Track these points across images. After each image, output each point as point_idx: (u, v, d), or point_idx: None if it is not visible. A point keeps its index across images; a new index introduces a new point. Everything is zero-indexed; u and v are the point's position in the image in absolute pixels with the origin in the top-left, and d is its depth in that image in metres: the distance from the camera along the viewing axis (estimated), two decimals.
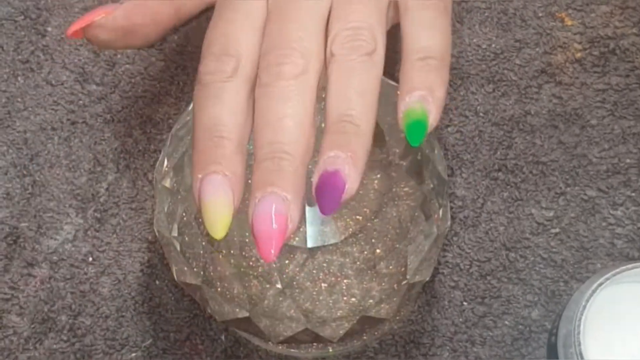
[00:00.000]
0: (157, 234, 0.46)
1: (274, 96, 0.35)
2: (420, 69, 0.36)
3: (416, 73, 0.36)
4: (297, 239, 0.42)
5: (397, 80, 0.38)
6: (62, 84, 0.56)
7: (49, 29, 0.57)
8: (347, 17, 0.36)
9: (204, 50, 0.37)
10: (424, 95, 0.36)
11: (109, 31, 0.39)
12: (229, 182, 0.35)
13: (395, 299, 0.44)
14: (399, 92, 0.36)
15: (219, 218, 0.34)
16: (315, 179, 0.35)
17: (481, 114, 0.54)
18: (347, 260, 0.42)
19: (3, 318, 0.51)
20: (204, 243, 0.43)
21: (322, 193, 0.34)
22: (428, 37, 0.37)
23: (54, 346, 0.50)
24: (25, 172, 0.54)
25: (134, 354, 0.50)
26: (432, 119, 0.36)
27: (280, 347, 0.49)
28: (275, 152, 0.34)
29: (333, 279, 0.42)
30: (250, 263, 0.42)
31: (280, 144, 0.34)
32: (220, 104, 0.35)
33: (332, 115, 0.35)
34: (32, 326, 0.51)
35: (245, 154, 0.36)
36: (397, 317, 0.50)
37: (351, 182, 0.34)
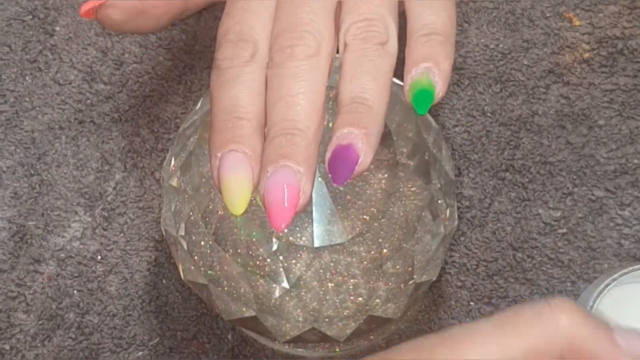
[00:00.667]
0: (164, 233, 0.46)
1: (286, 75, 0.35)
2: (424, 43, 0.37)
3: (420, 47, 0.37)
4: (304, 238, 0.42)
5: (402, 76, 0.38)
6: (70, 83, 0.56)
7: (57, 28, 0.57)
8: (358, 9, 0.37)
9: (220, 38, 0.37)
10: (429, 67, 0.37)
11: (121, 11, 0.40)
12: (249, 160, 0.35)
13: (402, 298, 0.44)
14: (405, 67, 0.37)
15: (239, 193, 0.35)
16: (328, 153, 0.35)
17: (489, 114, 0.54)
18: (354, 259, 0.42)
19: (10, 315, 0.51)
20: (210, 242, 0.43)
21: (335, 164, 0.35)
22: (431, 14, 0.38)
23: (62, 344, 0.50)
24: (32, 171, 0.54)
25: (140, 353, 0.50)
26: (439, 89, 0.37)
27: (286, 347, 0.49)
28: (288, 128, 0.35)
29: (340, 278, 0.42)
30: (257, 262, 0.42)
31: (292, 121, 0.35)
32: (239, 86, 0.36)
33: (344, 98, 0.36)
34: (40, 323, 0.51)
35: (263, 136, 0.36)
36: (404, 317, 0.50)
37: (364, 156, 0.35)
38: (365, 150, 0.35)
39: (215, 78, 0.37)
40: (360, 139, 0.35)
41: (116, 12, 0.40)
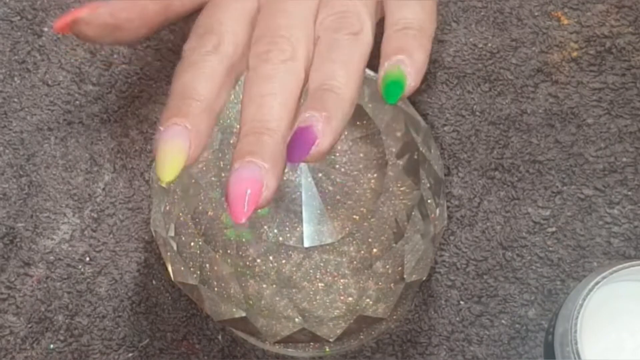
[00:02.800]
0: (153, 233, 0.46)
1: (259, 77, 0.36)
2: (397, 37, 0.37)
3: (393, 40, 0.37)
4: (293, 238, 0.42)
5: None
6: (59, 84, 0.55)
7: (45, 29, 0.57)
8: (334, 5, 0.37)
9: (191, 32, 0.38)
10: (401, 59, 0.36)
11: (95, 27, 0.39)
12: (188, 134, 0.35)
13: (392, 298, 0.44)
14: (379, 65, 0.37)
15: (170, 161, 0.35)
16: (289, 136, 0.35)
17: (477, 113, 0.54)
18: (344, 259, 0.42)
19: (0, 318, 0.51)
20: (200, 243, 0.43)
21: (292, 144, 0.35)
22: (407, 10, 0.38)
23: (51, 346, 0.50)
24: (21, 173, 0.54)
25: (130, 354, 0.50)
26: (411, 79, 0.36)
27: (277, 347, 0.49)
28: (257, 127, 0.35)
29: (330, 278, 0.42)
30: (247, 263, 0.42)
31: (262, 121, 0.35)
32: (195, 72, 0.36)
33: (312, 86, 0.36)
34: (29, 326, 0.51)
35: (213, 119, 0.36)
36: (394, 317, 0.50)
37: (323, 137, 0.35)
38: (324, 131, 0.35)
39: (177, 67, 0.37)
40: (320, 121, 0.35)
41: (90, 29, 0.40)
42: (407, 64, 0.36)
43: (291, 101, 0.35)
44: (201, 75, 0.36)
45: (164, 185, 0.35)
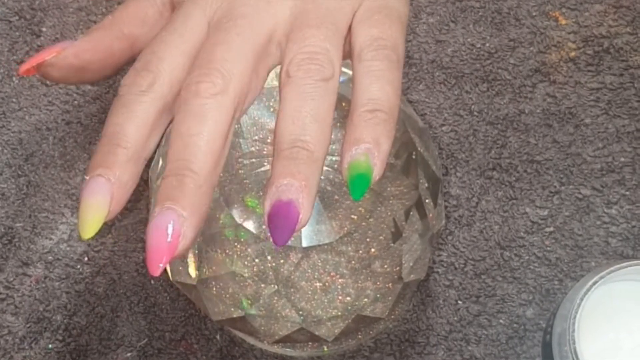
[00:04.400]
0: None
1: (188, 113, 0.35)
2: (368, 121, 0.36)
3: (363, 125, 0.36)
4: (292, 238, 0.42)
5: None
6: (57, 84, 0.55)
7: (44, 29, 0.57)
8: (304, 41, 0.36)
9: (133, 65, 0.37)
10: (370, 149, 0.35)
11: (60, 69, 0.39)
12: (111, 187, 0.35)
13: (390, 298, 0.44)
14: (344, 142, 0.36)
15: (90, 219, 0.35)
16: (267, 207, 0.34)
17: (475, 113, 0.54)
18: (342, 259, 0.43)
19: None
20: (199, 243, 0.43)
21: (276, 223, 0.34)
22: (378, 89, 0.36)
23: (50, 346, 0.50)
24: (20, 173, 0.54)
25: (129, 354, 0.50)
26: (376, 172, 0.36)
27: (275, 347, 0.49)
28: (180, 168, 0.34)
29: (328, 278, 0.43)
30: (246, 263, 0.42)
31: (186, 161, 0.34)
32: (127, 114, 0.35)
33: (285, 139, 0.35)
34: (27, 326, 0.51)
35: (140, 166, 0.36)
36: (392, 316, 0.50)
37: (305, 212, 0.34)
38: (305, 205, 0.34)
39: (113, 102, 0.36)
40: (301, 192, 0.34)
41: (55, 71, 0.39)
42: (375, 154, 0.35)
43: (218, 140, 0.35)
44: (132, 119, 0.35)
45: (84, 239, 0.35)
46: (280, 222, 0.34)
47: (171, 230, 0.33)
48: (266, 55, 0.37)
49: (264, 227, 0.42)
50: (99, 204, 0.35)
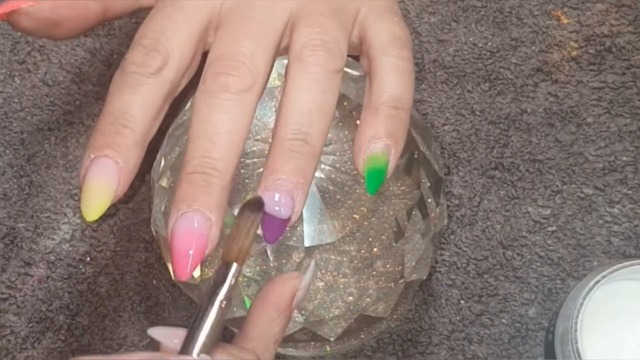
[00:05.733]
0: (154, 233, 0.46)
1: (216, 108, 0.34)
2: (390, 117, 0.36)
3: (385, 120, 0.36)
4: (294, 238, 0.42)
5: None
6: (59, 84, 0.56)
7: None
8: (319, 27, 0.36)
9: (136, 40, 0.36)
10: (389, 145, 0.36)
11: (33, 20, 0.39)
12: (119, 170, 0.34)
13: (392, 297, 0.44)
14: (362, 134, 0.36)
15: (96, 200, 0.34)
16: (266, 197, 0.34)
17: (477, 113, 0.54)
18: (344, 259, 0.43)
19: (1, 318, 0.51)
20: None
21: (269, 222, 0.34)
22: (402, 87, 0.37)
23: (52, 346, 0.50)
24: (22, 173, 0.54)
25: None
26: (390, 168, 0.36)
27: (277, 346, 0.49)
28: (207, 166, 0.34)
29: (330, 277, 0.43)
30: (248, 262, 0.42)
31: (212, 159, 0.34)
32: (135, 95, 0.35)
33: (288, 127, 0.35)
34: (30, 326, 0.51)
35: (143, 151, 0.35)
36: (394, 316, 0.50)
37: (297, 209, 0.34)
38: (298, 202, 0.34)
39: (117, 78, 0.35)
40: (297, 188, 0.34)
41: (27, 20, 0.39)
42: (392, 152, 0.36)
43: (241, 141, 0.34)
44: (139, 101, 0.35)
45: (88, 222, 0.35)
46: (274, 218, 0.34)
47: (200, 234, 0.33)
48: (279, 47, 0.36)
49: None
50: (106, 186, 0.34)
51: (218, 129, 0.34)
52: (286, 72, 0.35)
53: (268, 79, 0.36)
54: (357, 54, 0.39)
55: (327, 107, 0.35)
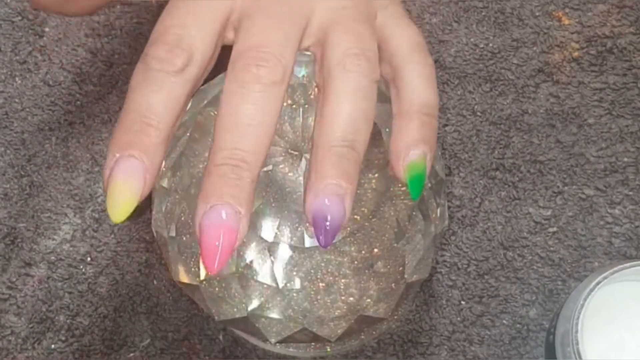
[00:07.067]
0: (155, 234, 0.46)
1: (248, 99, 0.34)
2: (424, 124, 0.36)
3: (421, 127, 0.36)
4: (294, 238, 0.42)
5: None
6: (60, 84, 0.56)
7: (47, 29, 0.57)
8: (358, 36, 0.36)
9: (157, 35, 0.35)
10: (426, 151, 0.36)
11: None
12: (145, 170, 0.34)
13: (393, 298, 0.44)
14: (400, 140, 0.36)
15: (123, 202, 0.34)
16: (313, 204, 0.34)
17: (479, 113, 0.54)
18: (345, 259, 0.42)
19: (1, 318, 0.51)
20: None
21: (321, 223, 0.34)
22: (430, 93, 0.37)
23: (52, 346, 0.50)
24: (22, 173, 0.54)
25: (132, 354, 0.50)
26: (427, 172, 0.37)
27: (278, 347, 0.49)
28: (237, 158, 0.34)
29: (331, 278, 0.42)
30: (248, 263, 0.42)
31: (243, 151, 0.34)
32: (159, 93, 0.34)
33: (335, 134, 0.35)
34: (30, 326, 0.51)
35: (166, 147, 0.35)
36: (395, 317, 0.50)
37: (348, 214, 0.34)
38: (348, 208, 0.34)
39: (139, 72, 0.35)
40: (348, 194, 0.34)
41: None
42: (429, 157, 0.36)
43: (271, 134, 0.34)
44: (165, 99, 0.34)
45: (114, 223, 0.34)
46: (326, 222, 0.34)
47: (230, 227, 0.33)
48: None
49: (268, 227, 0.42)
50: (133, 187, 0.34)
51: (251, 120, 0.34)
52: (326, 79, 0.36)
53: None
54: None
55: (370, 115, 0.35)
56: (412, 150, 0.36)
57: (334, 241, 0.35)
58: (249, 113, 0.34)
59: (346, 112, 0.35)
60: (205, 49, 0.35)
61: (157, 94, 0.34)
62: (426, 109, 0.37)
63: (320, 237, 0.34)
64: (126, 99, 0.35)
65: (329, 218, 0.34)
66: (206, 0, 0.36)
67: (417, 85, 0.37)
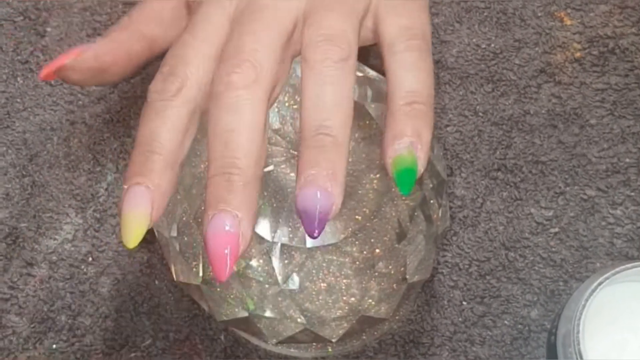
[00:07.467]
0: (156, 234, 0.46)
1: (223, 106, 0.35)
2: (407, 114, 0.36)
3: (403, 118, 0.36)
4: (296, 239, 0.42)
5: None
6: (61, 84, 0.56)
7: (48, 29, 0.57)
8: (320, 24, 0.36)
9: (159, 69, 0.37)
10: (413, 142, 0.36)
11: (80, 72, 0.39)
12: (151, 195, 0.35)
13: (394, 298, 0.44)
14: (385, 136, 0.36)
15: (133, 229, 0.35)
16: (297, 198, 0.34)
17: (480, 114, 0.54)
18: (347, 260, 0.42)
19: (2, 318, 0.51)
20: (203, 243, 0.43)
21: (307, 214, 0.34)
22: (414, 80, 0.36)
23: (54, 346, 0.50)
24: (24, 173, 0.54)
25: (133, 354, 0.50)
26: (420, 165, 0.36)
27: (279, 347, 0.49)
28: (226, 166, 0.34)
29: (332, 278, 0.42)
30: (250, 263, 0.42)
31: (230, 158, 0.34)
32: (159, 120, 0.35)
33: (308, 127, 0.35)
34: (32, 326, 0.51)
35: (176, 172, 0.36)
36: (397, 317, 0.50)
37: (336, 199, 0.34)
38: (335, 192, 0.34)
39: (143, 110, 0.36)
40: (329, 179, 0.34)
41: (75, 74, 0.39)
42: (418, 147, 0.36)
43: (258, 130, 0.35)
44: (164, 125, 0.35)
45: (129, 249, 0.36)
46: (311, 213, 0.34)
47: (230, 233, 0.33)
48: (291, 44, 0.37)
49: (269, 228, 0.42)
50: (140, 213, 0.35)
51: (229, 127, 0.34)
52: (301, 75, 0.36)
53: (277, 74, 0.36)
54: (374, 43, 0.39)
55: (340, 97, 0.35)
56: (397, 144, 0.36)
57: (326, 235, 0.35)
58: (226, 121, 0.35)
59: (312, 101, 0.35)
60: (201, 70, 0.36)
61: (156, 122, 0.36)
62: (409, 98, 0.36)
63: (307, 229, 0.34)
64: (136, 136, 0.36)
65: (315, 208, 0.34)
66: (202, 30, 0.37)
67: (398, 75, 0.37)
